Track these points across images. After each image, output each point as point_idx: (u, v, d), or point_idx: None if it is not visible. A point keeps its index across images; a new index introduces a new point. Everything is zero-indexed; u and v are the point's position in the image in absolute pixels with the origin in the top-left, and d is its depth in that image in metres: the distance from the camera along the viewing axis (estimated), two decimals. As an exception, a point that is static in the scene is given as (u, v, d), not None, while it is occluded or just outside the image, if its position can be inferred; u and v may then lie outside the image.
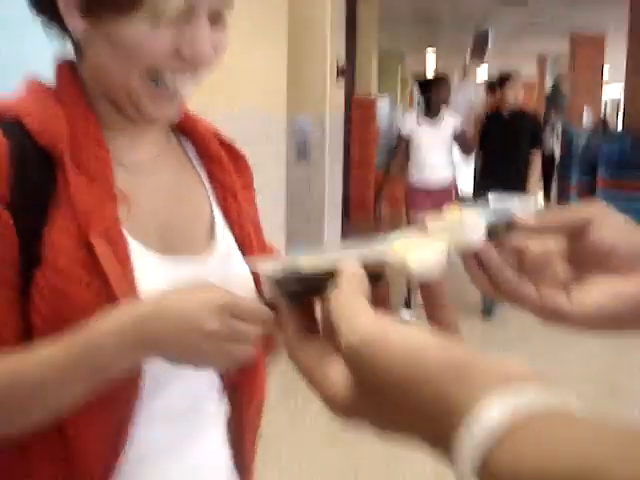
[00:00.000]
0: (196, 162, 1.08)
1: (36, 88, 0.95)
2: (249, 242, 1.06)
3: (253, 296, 0.88)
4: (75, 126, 0.91)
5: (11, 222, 0.85)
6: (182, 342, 0.81)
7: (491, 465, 0.35)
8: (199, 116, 1.10)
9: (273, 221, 4.49)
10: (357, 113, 8.61)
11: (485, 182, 5.51)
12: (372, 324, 0.44)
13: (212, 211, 1.05)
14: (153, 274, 0.92)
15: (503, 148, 5.43)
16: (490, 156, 5.57)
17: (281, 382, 3.46)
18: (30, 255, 0.86)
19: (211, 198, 1.06)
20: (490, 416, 0.36)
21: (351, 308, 0.46)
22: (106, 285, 0.85)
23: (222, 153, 1.08)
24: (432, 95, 5.33)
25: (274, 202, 4.46)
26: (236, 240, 1.05)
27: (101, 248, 0.86)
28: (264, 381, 1.09)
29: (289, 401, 3.80)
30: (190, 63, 0.89)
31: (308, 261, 0.53)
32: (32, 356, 0.83)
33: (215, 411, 1.04)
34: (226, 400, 1.06)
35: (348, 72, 7.03)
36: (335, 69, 6.04)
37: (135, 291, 0.88)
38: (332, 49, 5.72)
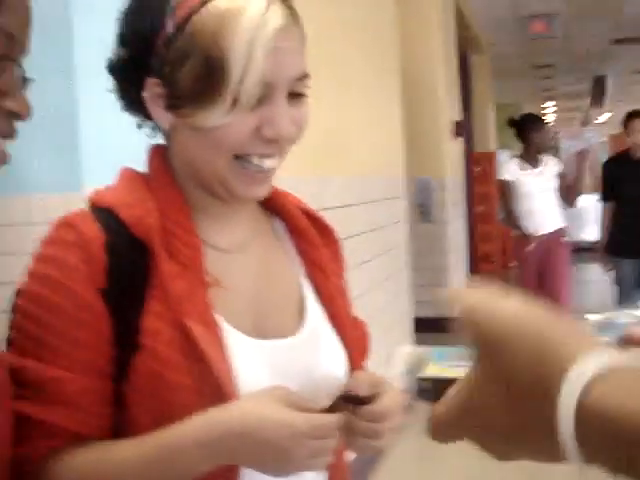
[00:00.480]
0: (285, 238, 1.09)
1: (129, 176, 0.99)
2: (340, 316, 1.06)
3: (330, 391, 0.91)
4: (166, 214, 0.93)
5: (106, 312, 0.89)
6: (265, 464, 0.85)
7: (590, 401, 0.43)
8: (285, 191, 1.11)
9: (399, 281, 4.48)
10: (477, 168, 8.56)
11: (619, 234, 5.00)
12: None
13: (302, 288, 1.05)
14: (247, 357, 0.93)
15: (636, 196, 4.92)
16: (622, 205, 5.03)
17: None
18: (128, 342, 0.89)
19: (300, 274, 1.07)
20: (588, 367, 0.44)
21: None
22: (205, 368, 0.87)
23: (310, 227, 1.08)
24: (529, 136, 5.12)
25: (398, 263, 4.47)
26: (327, 315, 1.05)
27: (198, 332, 0.88)
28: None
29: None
30: (273, 142, 0.91)
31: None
32: (117, 452, 0.87)
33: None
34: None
35: (465, 128, 7.02)
36: (452, 127, 6.05)
37: (232, 374, 0.89)
38: (447, 107, 5.75)
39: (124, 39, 0.94)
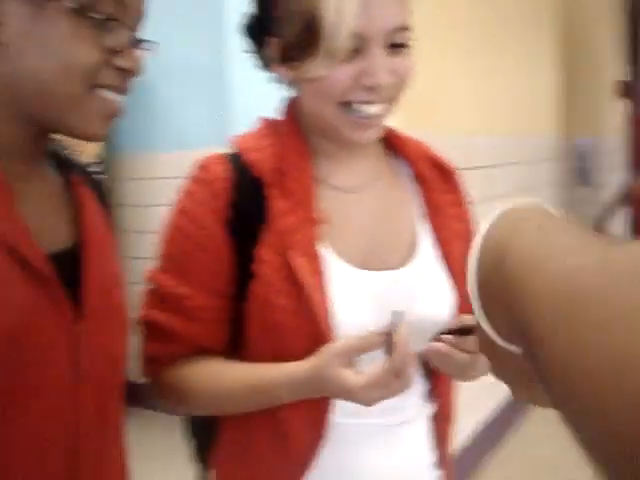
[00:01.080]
0: (407, 181, 1.16)
1: (264, 124, 1.12)
2: (453, 257, 1.11)
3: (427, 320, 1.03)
4: (286, 157, 1.05)
5: (227, 240, 1.03)
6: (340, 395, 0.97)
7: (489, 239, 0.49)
8: (410, 136, 1.19)
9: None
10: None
11: None
12: None
13: (416, 228, 1.13)
14: (349, 286, 1.03)
15: None
16: None
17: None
18: (245, 268, 1.02)
19: (418, 216, 1.14)
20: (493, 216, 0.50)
21: None
22: (302, 294, 0.99)
23: (431, 172, 1.15)
24: None
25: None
26: (441, 256, 1.12)
27: (297, 262, 0.99)
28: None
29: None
30: (371, 90, 0.98)
31: None
32: (232, 372, 1.04)
33: (416, 408, 1.13)
34: (429, 399, 1.15)
35: (634, 89, 6.60)
36: (616, 87, 5.73)
37: (327, 300, 1.00)
38: (611, 65, 5.46)
39: (254, 2, 1.07)
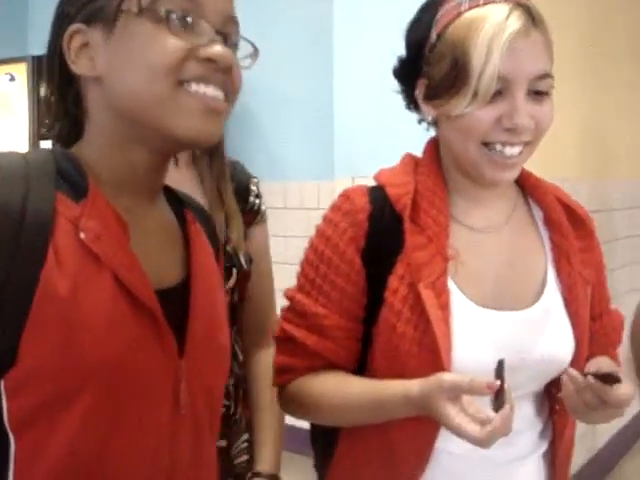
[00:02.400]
0: (540, 225, 1.20)
1: (405, 160, 1.20)
2: (576, 304, 1.15)
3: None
4: (424, 194, 1.12)
5: (362, 268, 1.11)
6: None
7: None
8: (545, 181, 1.23)
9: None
10: None
11: None
12: None
13: (545, 273, 1.16)
14: (470, 323, 1.08)
15: None
16: None
17: None
18: (377, 295, 1.09)
19: (548, 261, 1.17)
20: None
21: None
22: (427, 326, 1.04)
23: (562, 217, 1.19)
24: None
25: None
26: (564, 302, 1.15)
27: (427, 295, 1.05)
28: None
29: None
30: (511, 132, 1.04)
31: None
32: (359, 385, 1.10)
33: (530, 446, 1.15)
34: (544, 435, 1.18)
35: None
36: None
37: (449, 333, 1.05)
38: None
39: (406, 47, 1.15)
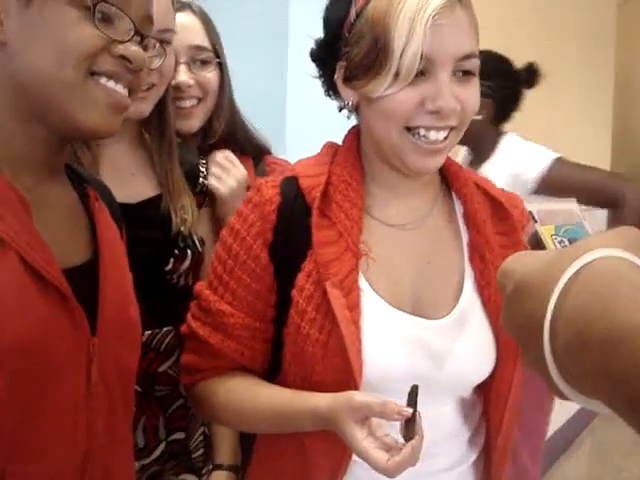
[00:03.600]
0: (460, 220, 1.12)
1: (324, 149, 1.13)
2: (493, 304, 1.06)
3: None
4: (337, 186, 1.05)
5: (270, 264, 1.04)
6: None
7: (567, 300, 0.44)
8: (469, 171, 1.16)
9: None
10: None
11: None
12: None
13: (463, 273, 1.09)
14: (382, 324, 1.01)
15: None
16: None
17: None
18: (286, 293, 1.02)
19: (465, 259, 1.10)
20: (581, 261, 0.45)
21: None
22: (335, 327, 0.97)
23: (482, 210, 1.10)
24: None
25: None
26: (482, 304, 1.07)
27: (334, 294, 0.98)
28: (513, 416, 1.11)
29: None
30: (435, 115, 0.97)
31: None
32: (259, 395, 1.05)
33: (457, 456, 1.09)
34: (472, 443, 1.11)
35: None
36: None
37: (360, 334, 0.98)
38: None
39: (324, 28, 1.09)
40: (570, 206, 0.66)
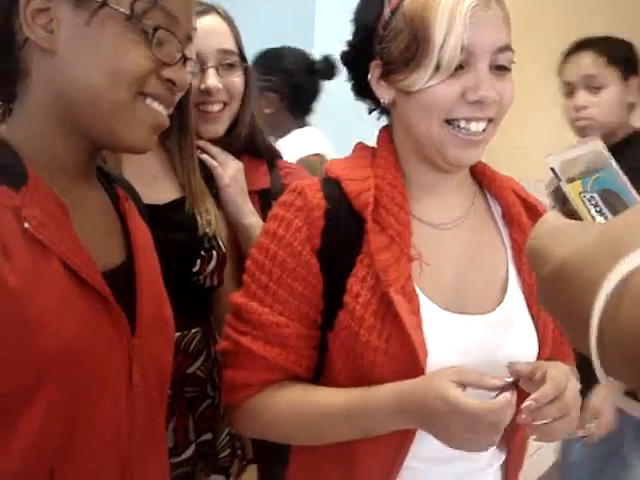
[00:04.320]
0: (500, 222, 1.14)
1: (360, 151, 1.12)
2: (538, 305, 1.05)
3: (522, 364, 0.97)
4: (384, 191, 1.03)
5: (319, 270, 1.01)
6: (436, 434, 0.93)
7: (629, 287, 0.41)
8: (502, 174, 1.17)
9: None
10: None
11: None
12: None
13: (507, 271, 1.10)
14: (437, 329, 1.00)
15: None
16: None
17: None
18: (335, 298, 1.01)
19: (509, 258, 1.11)
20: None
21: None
22: (400, 333, 0.97)
23: (522, 212, 1.12)
24: None
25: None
26: (526, 302, 1.08)
27: (398, 300, 0.97)
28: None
29: None
30: (476, 106, 0.99)
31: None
32: (322, 399, 1.02)
33: (489, 457, 1.09)
34: (503, 448, 1.11)
35: None
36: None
37: (424, 341, 0.98)
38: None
39: (355, 30, 1.09)
40: (594, 146, 0.59)
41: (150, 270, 0.92)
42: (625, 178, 0.57)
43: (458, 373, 0.93)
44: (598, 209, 0.54)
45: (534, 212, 1.12)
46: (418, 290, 1.01)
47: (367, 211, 1.02)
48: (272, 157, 1.60)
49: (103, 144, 0.86)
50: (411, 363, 0.96)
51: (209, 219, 1.34)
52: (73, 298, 0.76)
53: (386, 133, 1.11)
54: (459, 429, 0.90)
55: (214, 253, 1.33)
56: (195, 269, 1.30)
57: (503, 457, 1.12)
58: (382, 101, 1.07)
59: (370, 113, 1.14)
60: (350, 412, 0.99)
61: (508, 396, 0.90)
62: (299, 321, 1.02)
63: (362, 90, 1.11)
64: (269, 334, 1.02)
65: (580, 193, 0.55)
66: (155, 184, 1.32)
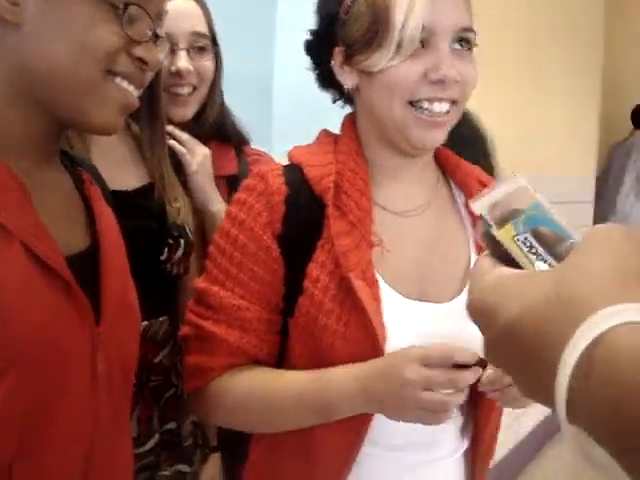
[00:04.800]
0: (463, 210, 1.14)
1: (323, 138, 1.12)
2: None
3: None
4: (346, 176, 1.04)
5: (279, 255, 1.02)
6: (389, 391, 0.93)
7: (599, 350, 0.37)
8: (467, 162, 1.17)
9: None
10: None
11: None
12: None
13: (469, 260, 1.10)
14: (397, 315, 1.01)
15: None
16: None
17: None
18: (296, 283, 1.01)
19: (471, 247, 1.11)
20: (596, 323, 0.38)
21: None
22: (360, 318, 0.97)
23: None
24: None
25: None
26: None
27: (358, 285, 0.97)
28: (499, 413, 1.13)
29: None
30: (438, 85, 0.99)
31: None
32: (282, 383, 1.02)
33: (450, 446, 1.10)
34: (465, 432, 1.12)
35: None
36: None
37: (384, 327, 0.98)
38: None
39: (318, 18, 1.09)
40: (517, 183, 0.55)
41: (116, 256, 0.89)
42: (553, 210, 0.53)
43: (423, 356, 0.92)
44: (534, 251, 0.51)
45: None
46: (378, 276, 1.01)
47: (328, 196, 1.02)
48: (240, 143, 1.59)
49: (69, 123, 0.82)
50: (370, 347, 0.97)
51: (178, 207, 1.33)
52: (36, 284, 0.73)
53: (350, 120, 1.11)
54: (408, 397, 0.91)
55: (181, 241, 1.32)
56: (163, 257, 1.28)
57: (465, 445, 1.12)
58: (346, 87, 1.07)
59: (334, 102, 1.14)
60: (308, 394, 0.99)
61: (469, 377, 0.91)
62: (260, 305, 1.03)
63: (326, 79, 1.11)
64: (231, 317, 1.02)
65: (513, 237, 0.52)
66: (123, 170, 1.30)
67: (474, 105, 1.28)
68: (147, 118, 1.34)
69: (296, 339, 1.02)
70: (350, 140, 1.08)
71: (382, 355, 0.96)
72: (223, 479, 1.27)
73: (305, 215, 1.02)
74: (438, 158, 1.15)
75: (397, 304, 1.02)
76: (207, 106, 1.52)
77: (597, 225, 0.45)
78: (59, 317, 0.75)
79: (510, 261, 0.51)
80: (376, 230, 1.03)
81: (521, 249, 0.51)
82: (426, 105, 1.00)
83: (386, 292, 1.01)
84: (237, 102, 1.64)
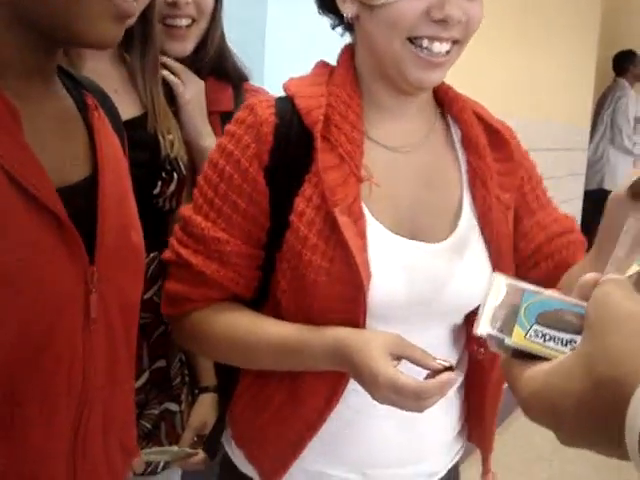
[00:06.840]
0: (458, 145, 1.10)
1: (318, 69, 1.08)
2: (492, 230, 1.05)
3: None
4: (338, 109, 1.00)
5: (266, 187, 0.99)
6: (364, 384, 0.92)
7: None
8: (466, 96, 1.12)
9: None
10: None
11: None
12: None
13: (462, 198, 1.07)
14: (384, 252, 0.98)
15: None
16: None
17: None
18: (282, 217, 0.98)
19: (464, 184, 1.08)
20: None
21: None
22: (344, 255, 0.94)
23: (481, 136, 1.08)
24: None
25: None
26: (480, 228, 1.06)
27: (343, 221, 0.94)
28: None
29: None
30: (441, 25, 0.95)
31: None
32: (265, 329, 1.00)
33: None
34: (459, 365, 1.10)
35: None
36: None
37: (368, 264, 0.95)
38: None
39: None
40: (500, 284, 0.56)
41: (117, 189, 0.81)
42: (538, 289, 0.54)
43: (399, 346, 0.91)
44: (549, 337, 0.51)
45: (497, 136, 1.10)
46: (367, 212, 0.99)
47: (317, 128, 0.98)
48: (240, 80, 1.53)
49: (57, 37, 0.73)
50: (354, 285, 0.95)
51: (171, 139, 1.28)
52: (18, 215, 0.66)
53: (348, 51, 1.07)
54: (385, 394, 0.89)
55: (175, 175, 1.28)
56: (156, 191, 1.24)
57: (460, 379, 1.11)
58: (345, 15, 1.02)
59: (333, 29, 1.09)
60: (286, 347, 0.98)
61: (453, 377, 0.89)
62: (241, 239, 1.01)
63: (325, 3, 1.06)
64: (210, 249, 1.01)
65: (525, 336, 0.52)
66: (116, 100, 1.24)
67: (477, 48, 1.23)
68: (140, 46, 1.28)
69: (281, 274, 1.00)
70: (345, 71, 1.04)
71: (364, 294, 0.94)
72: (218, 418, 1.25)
73: (294, 147, 0.99)
74: (437, 93, 1.11)
75: (384, 239, 1.00)
76: (207, 41, 1.45)
77: (595, 292, 0.47)
78: (44, 253, 0.68)
79: (534, 355, 0.51)
80: (367, 164, 1.00)
81: (538, 344, 0.51)
82: (426, 44, 0.96)
83: (373, 227, 0.99)
84: (231, 43, 1.58)
